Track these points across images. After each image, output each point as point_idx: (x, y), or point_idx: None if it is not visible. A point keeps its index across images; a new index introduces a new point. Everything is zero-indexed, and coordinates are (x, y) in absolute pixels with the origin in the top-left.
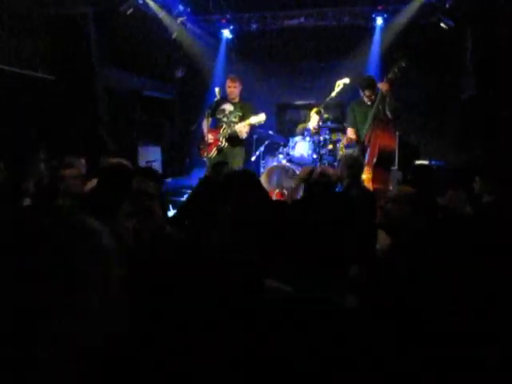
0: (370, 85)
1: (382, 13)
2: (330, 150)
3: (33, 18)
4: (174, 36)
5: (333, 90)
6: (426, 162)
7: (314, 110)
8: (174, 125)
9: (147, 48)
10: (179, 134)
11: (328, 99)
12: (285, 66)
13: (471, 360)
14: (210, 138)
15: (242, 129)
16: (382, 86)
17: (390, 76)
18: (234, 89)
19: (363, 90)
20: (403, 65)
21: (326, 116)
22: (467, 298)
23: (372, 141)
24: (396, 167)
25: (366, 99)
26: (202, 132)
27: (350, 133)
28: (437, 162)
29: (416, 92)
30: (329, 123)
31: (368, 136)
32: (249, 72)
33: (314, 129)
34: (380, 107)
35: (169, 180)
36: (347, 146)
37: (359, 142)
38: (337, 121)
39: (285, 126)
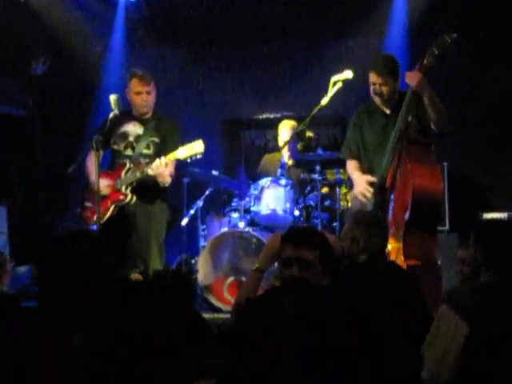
0: (383, 69)
1: None
2: (323, 199)
3: None
4: None
5: (325, 93)
6: (501, 216)
7: (287, 123)
8: (33, 164)
9: None
10: (43, 181)
11: (317, 109)
12: (238, 52)
13: None
14: (103, 187)
15: (163, 169)
16: (412, 78)
17: (425, 61)
18: (145, 96)
19: (372, 81)
20: (449, 40)
21: (308, 135)
22: None
23: (399, 181)
24: (447, 227)
25: (378, 101)
26: (87, 177)
27: (359, 178)
28: None
29: (474, 89)
30: (320, 151)
31: (391, 173)
32: (171, 64)
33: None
34: (411, 117)
35: (21, 269)
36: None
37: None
38: (334, 146)
39: (240, 160)
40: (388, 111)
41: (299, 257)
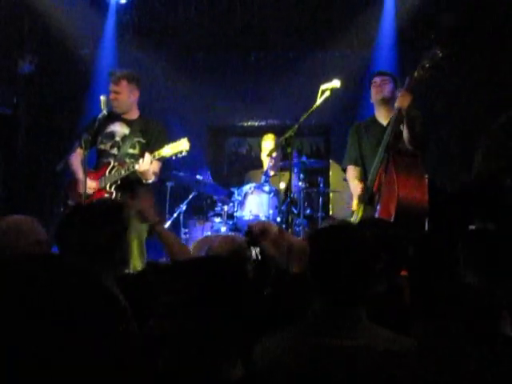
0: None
1: None
2: (305, 208)
3: None
4: None
5: (310, 101)
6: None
7: (270, 136)
8: (17, 163)
9: None
10: (27, 180)
11: (306, 116)
12: (224, 59)
13: None
14: (89, 186)
15: (148, 166)
16: (403, 101)
17: (416, 74)
18: (113, 95)
19: (374, 81)
20: (440, 54)
21: (289, 149)
22: None
23: (385, 192)
24: None
25: (380, 104)
26: (73, 175)
27: (355, 188)
28: None
29: (463, 105)
30: (304, 158)
31: (377, 183)
32: (158, 69)
33: (273, 168)
34: (397, 130)
35: None
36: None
37: (366, 193)
38: (316, 155)
39: (224, 166)
40: (385, 122)
41: None
